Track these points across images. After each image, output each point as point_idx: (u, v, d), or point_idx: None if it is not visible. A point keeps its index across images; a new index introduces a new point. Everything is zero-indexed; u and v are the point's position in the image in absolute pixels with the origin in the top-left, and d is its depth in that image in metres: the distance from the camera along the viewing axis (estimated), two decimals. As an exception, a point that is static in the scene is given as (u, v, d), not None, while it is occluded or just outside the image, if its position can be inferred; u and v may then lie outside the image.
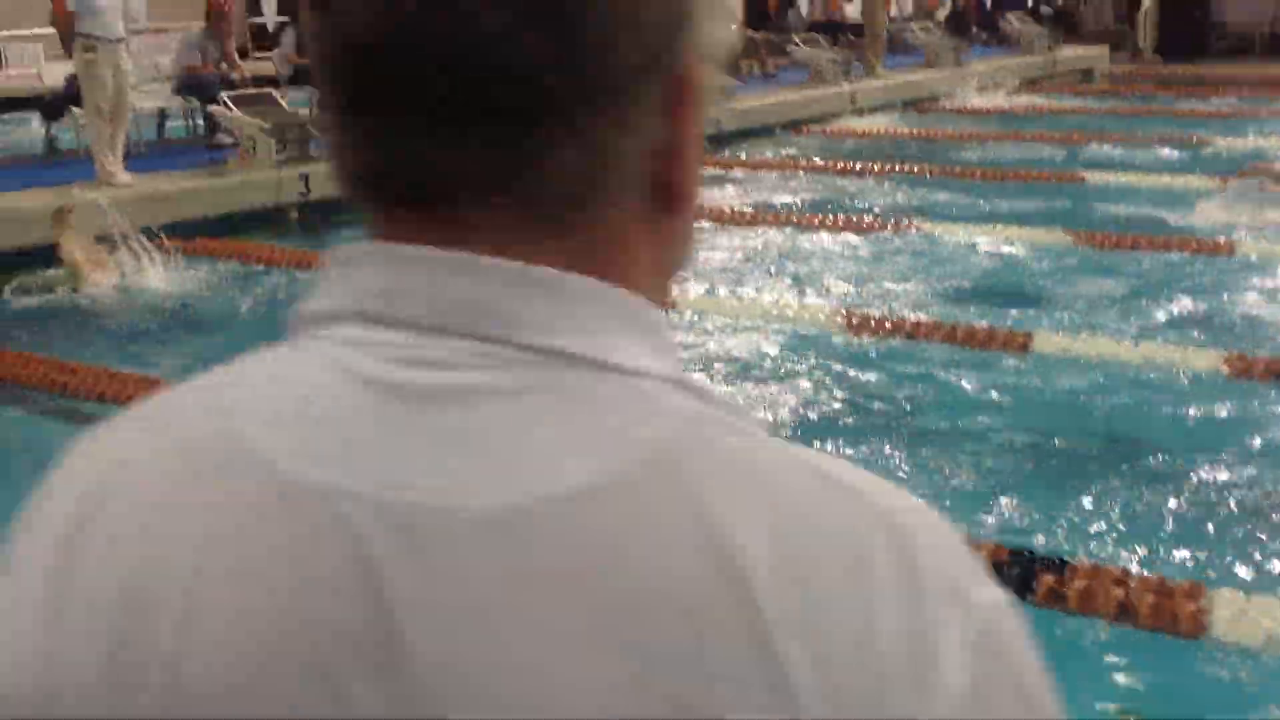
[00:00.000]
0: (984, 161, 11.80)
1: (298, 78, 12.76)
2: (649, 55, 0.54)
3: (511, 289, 0.53)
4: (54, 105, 11.20)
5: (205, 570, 0.52)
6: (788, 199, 10.33)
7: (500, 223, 0.54)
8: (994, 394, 5.53)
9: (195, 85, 11.31)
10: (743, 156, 12.42)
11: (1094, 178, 10.71)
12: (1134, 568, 3.83)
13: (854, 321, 6.49)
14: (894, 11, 19.18)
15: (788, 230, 8.89)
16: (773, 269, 7.91)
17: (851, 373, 5.83)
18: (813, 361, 5.99)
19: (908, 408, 5.44)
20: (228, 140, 10.53)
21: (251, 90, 10.88)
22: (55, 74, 11.62)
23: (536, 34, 0.52)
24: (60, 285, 7.71)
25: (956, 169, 11.38)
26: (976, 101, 16.47)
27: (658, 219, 0.58)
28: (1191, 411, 5.24)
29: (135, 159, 9.93)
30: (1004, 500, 4.37)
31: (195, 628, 0.51)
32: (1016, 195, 10.12)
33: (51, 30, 17.10)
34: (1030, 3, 18.97)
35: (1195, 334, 6.33)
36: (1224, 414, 5.21)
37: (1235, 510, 4.32)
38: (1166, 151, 12.17)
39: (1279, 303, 6.94)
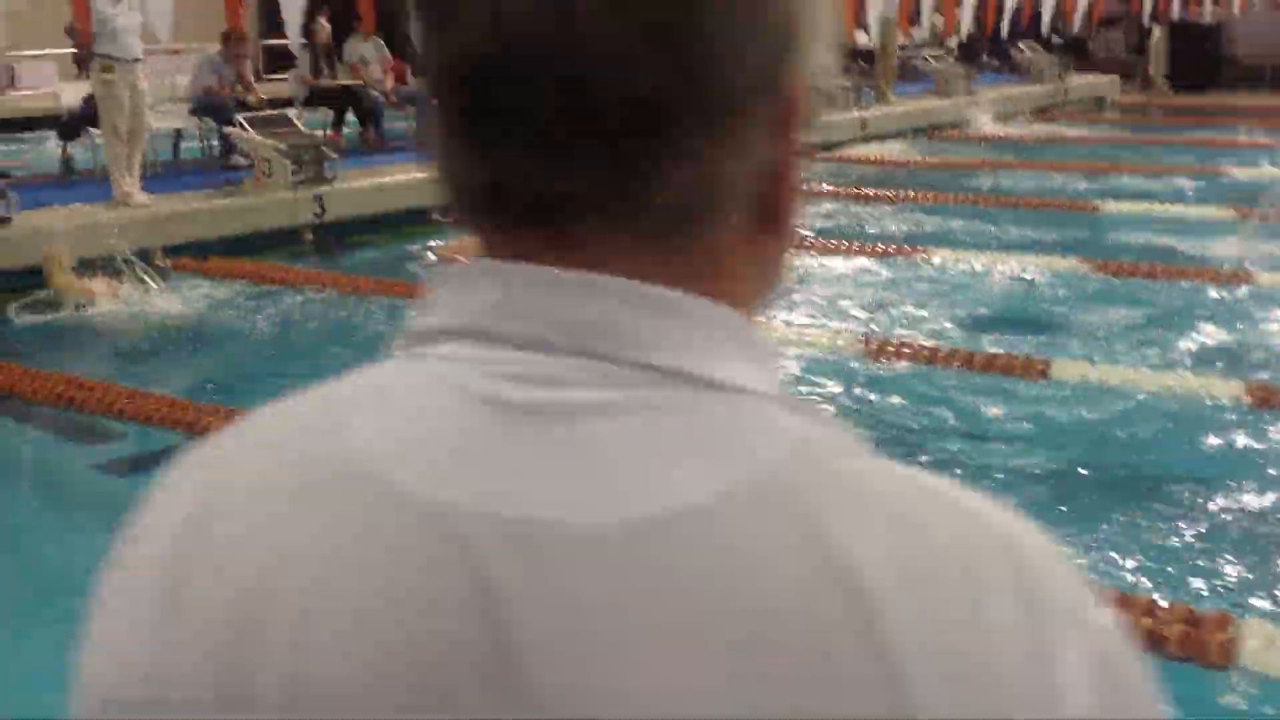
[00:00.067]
0: (997, 189, 11.82)
1: (312, 99, 12.81)
2: (760, 76, 0.55)
3: (624, 307, 0.54)
4: (70, 125, 11.25)
5: (320, 585, 0.51)
6: (802, 225, 10.31)
7: (612, 241, 0.54)
8: (1013, 421, 5.51)
9: (211, 107, 11.36)
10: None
11: (1108, 206, 10.73)
12: (1161, 597, 3.80)
13: (872, 347, 6.48)
14: (904, 39, 19.24)
15: (804, 256, 8.90)
16: (790, 294, 7.91)
17: (870, 398, 5.82)
18: (831, 387, 5.98)
19: (926, 433, 5.42)
20: (243, 161, 10.57)
21: (268, 112, 10.93)
22: (71, 94, 11.66)
23: (654, 53, 0.51)
24: (69, 305, 7.73)
25: (969, 196, 11.39)
26: (989, 129, 16.52)
27: (760, 239, 0.58)
28: (1215, 441, 5.22)
29: (151, 179, 9.97)
30: (1027, 528, 4.33)
31: (310, 643, 0.51)
32: (1030, 223, 10.13)
33: (63, 50, 17.28)
34: (1047, 31, 19.02)
35: (1216, 363, 6.31)
36: (1248, 444, 5.19)
37: (1263, 540, 4.30)
38: (1181, 181, 12.18)
39: (1299, 333, 6.92)
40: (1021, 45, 19.93)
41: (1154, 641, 3.47)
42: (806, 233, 9.93)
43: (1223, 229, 9.61)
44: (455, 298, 0.57)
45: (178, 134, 12.11)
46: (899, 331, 6.96)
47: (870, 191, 11.50)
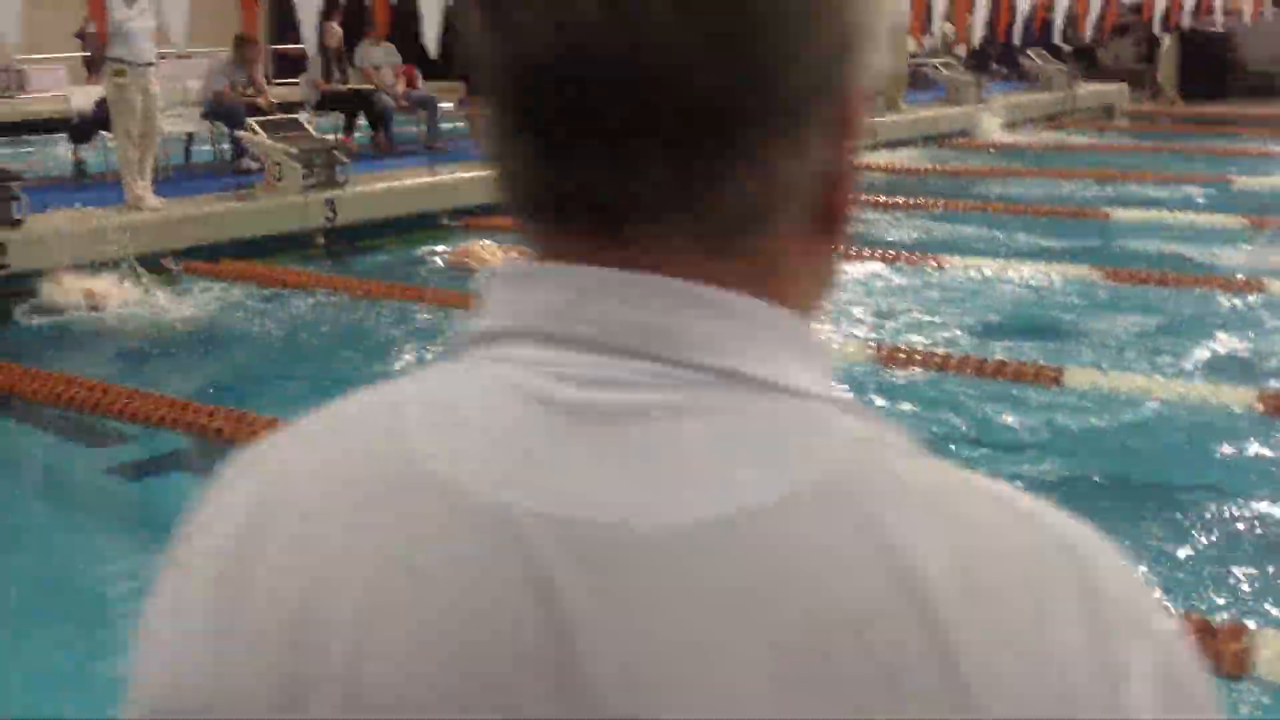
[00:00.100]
0: (1007, 196, 11.80)
1: (323, 104, 12.83)
2: (822, 80, 0.55)
3: (686, 310, 0.54)
4: (82, 128, 11.27)
5: (381, 588, 0.51)
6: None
7: (674, 244, 0.54)
8: (1026, 428, 5.50)
9: (223, 111, 11.38)
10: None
11: (1119, 214, 10.70)
12: (1175, 608, 3.79)
13: (883, 353, 6.47)
14: (914, 47, 19.23)
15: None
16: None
17: (881, 404, 5.81)
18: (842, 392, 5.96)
19: (937, 440, 5.40)
20: (254, 165, 10.59)
21: (279, 116, 10.95)
22: (82, 98, 11.69)
23: (720, 57, 0.52)
24: (75, 308, 7.74)
25: (979, 203, 11.38)
26: (998, 136, 16.50)
27: (816, 241, 0.59)
28: (1227, 449, 5.21)
29: (162, 183, 9.99)
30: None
31: (370, 646, 0.51)
32: (1040, 230, 10.11)
33: (73, 54, 17.32)
34: (1063, 39, 19.00)
35: (1228, 371, 6.30)
36: (1260, 452, 5.18)
37: (1277, 549, 4.28)
38: (1191, 189, 12.15)
39: (1312, 343, 6.90)
40: (1030, 53, 19.91)
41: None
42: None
43: (1233, 237, 9.59)
44: (514, 299, 0.57)
45: (189, 138, 12.13)
46: (909, 338, 6.95)
47: (880, 198, 11.49)
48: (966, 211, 11.07)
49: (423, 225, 10.15)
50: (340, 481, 0.54)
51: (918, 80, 18.69)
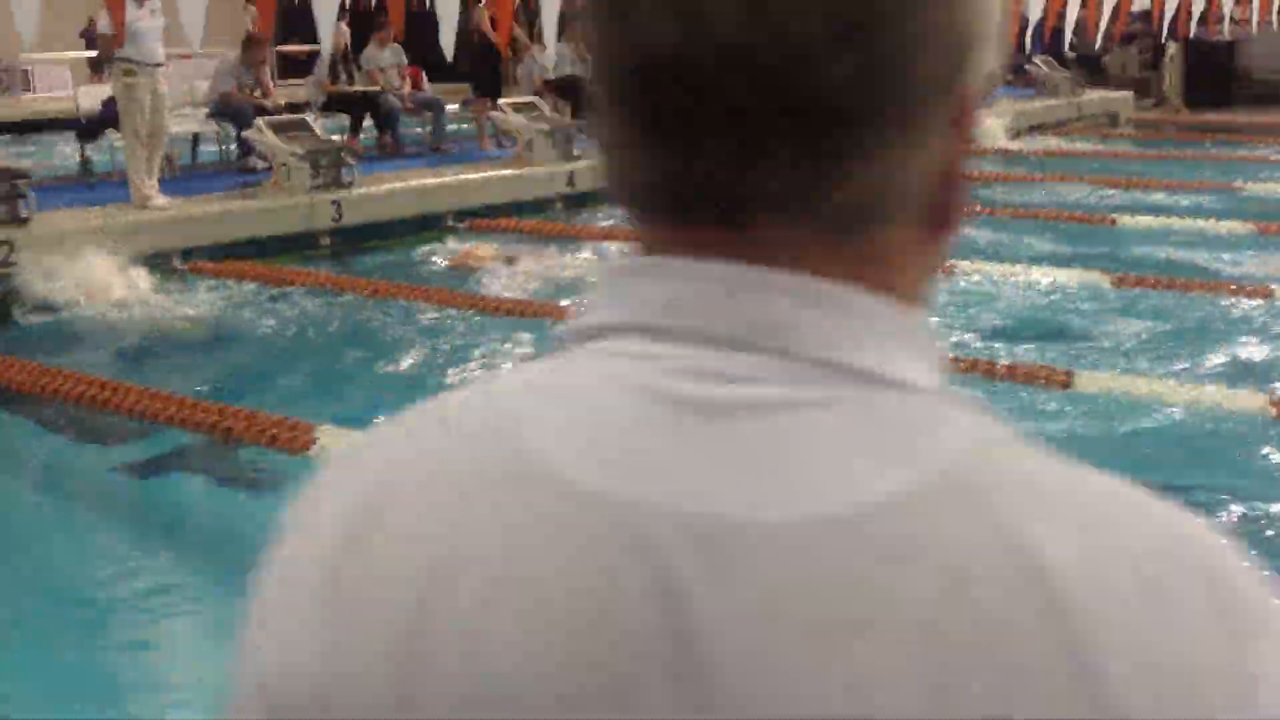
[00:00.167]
0: (1014, 202, 11.80)
1: (330, 105, 12.84)
2: (944, 76, 0.55)
3: (801, 304, 0.54)
4: (89, 128, 11.27)
5: (496, 580, 0.51)
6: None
7: (792, 238, 0.54)
8: (1036, 432, 5.47)
9: (229, 111, 11.39)
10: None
11: (1126, 220, 10.70)
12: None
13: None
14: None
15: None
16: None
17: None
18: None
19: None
20: (261, 165, 10.60)
21: (286, 116, 10.96)
22: (89, 97, 11.69)
23: (847, 51, 0.52)
24: (81, 306, 7.74)
25: (987, 208, 11.37)
26: (1003, 142, 16.49)
27: (927, 237, 0.58)
28: (1240, 454, 5.20)
29: (169, 182, 10.00)
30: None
31: (485, 637, 0.50)
32: (1049, 236, 10.12)
33: (79, 54, 17.33)
34: (1069, 46, 19.01)
35: (1239, 376, 6.29)
36: (1271, 456, 5.18)
37: (1291, 553, 4.26)
38: (1198, 196, 12.14)
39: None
40: (1036, 60, 19.90)
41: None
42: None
43: (1241, 243, 9.59)
44: (625, 293, 0.56)
45: (196, 137, 12.15)
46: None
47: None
48: (974, 216, 11.06)
49: (428, 226, 10.17)
50: (451, 474, 0.54)
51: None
